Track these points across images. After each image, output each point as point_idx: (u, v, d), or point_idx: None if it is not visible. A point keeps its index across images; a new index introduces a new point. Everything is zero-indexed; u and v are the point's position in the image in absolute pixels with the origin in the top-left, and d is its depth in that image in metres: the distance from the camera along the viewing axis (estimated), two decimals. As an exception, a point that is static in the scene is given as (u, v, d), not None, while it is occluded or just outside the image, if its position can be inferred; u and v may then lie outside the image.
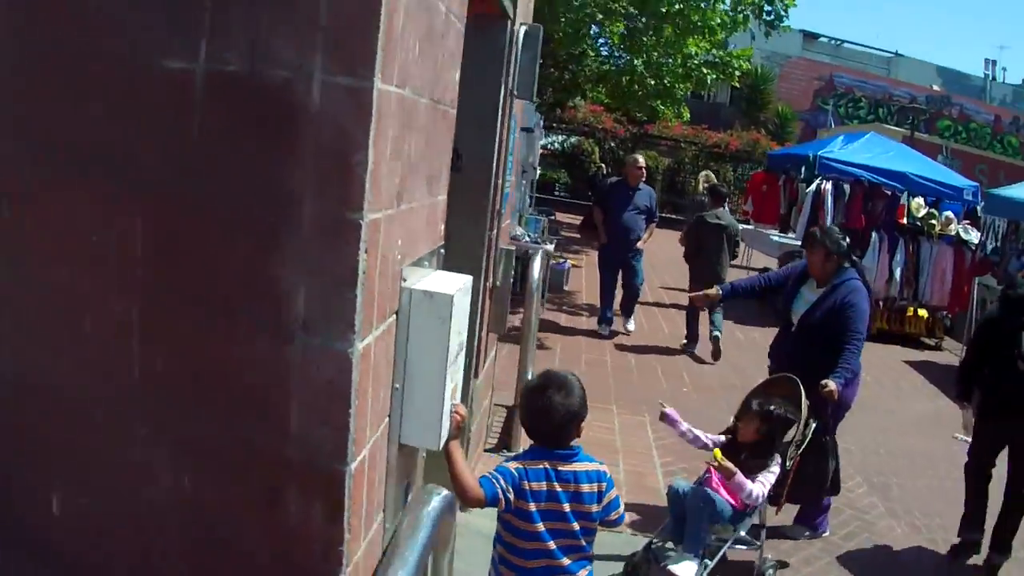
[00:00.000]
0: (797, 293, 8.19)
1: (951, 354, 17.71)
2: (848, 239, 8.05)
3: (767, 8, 19.84)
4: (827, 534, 8.41)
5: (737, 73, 20.92)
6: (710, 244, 15.16)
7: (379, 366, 3.17)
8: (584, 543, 4.78)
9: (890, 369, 16.35)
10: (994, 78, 62.12)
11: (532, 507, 4.60)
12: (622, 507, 4.95)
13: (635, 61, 19.71)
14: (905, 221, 18.58)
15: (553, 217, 22.06)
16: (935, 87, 52.91)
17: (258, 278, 2.81)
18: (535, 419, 4.77)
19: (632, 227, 14.38)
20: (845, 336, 7.60)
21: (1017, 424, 8.03)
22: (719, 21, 19.14)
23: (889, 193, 18.69)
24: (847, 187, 18.80)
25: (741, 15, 19.69)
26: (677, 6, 18.10)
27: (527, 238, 15.86)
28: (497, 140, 6.95)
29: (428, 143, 3.63)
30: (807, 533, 8.29)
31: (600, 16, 18.80)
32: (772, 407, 7.01)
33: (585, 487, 4.71)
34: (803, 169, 19.49)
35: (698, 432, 7.32)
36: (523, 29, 7.03)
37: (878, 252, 18.41)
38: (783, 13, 20.40)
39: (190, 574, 3.04)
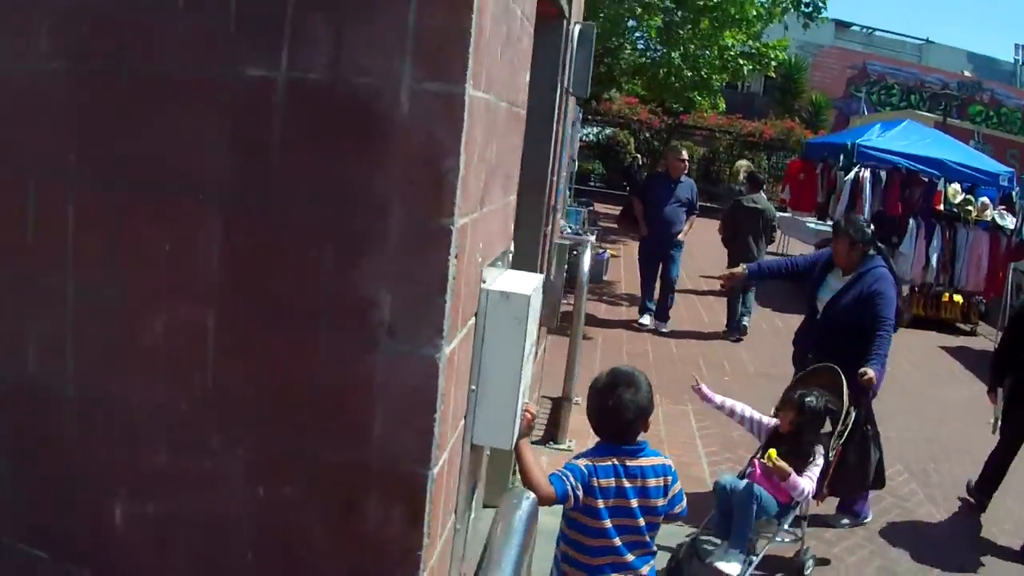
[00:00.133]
0: (823, 281, 8.05)
1: (986, 339, 17.47)
2: (873, 227, 7.93)
3: (806, 0, 19.69)
4: (869, 519, 8.30)
5: (773, 64, 20.83)
6: (747, 228, 15.21)
7: (461, 369, 3.14)
8: (648, 538, 4.73)
9: (926, 355, 16.17)
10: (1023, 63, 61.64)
11: (600, 504, 4.55)
12: (685, 500, 4.89)
13: (672, 53, 19.71)
14: (942, 207, 18.34)
15: (592, 208, 22.01)
16: (966, 73, 52.32)
17: (343, 286, 2.78)
18: (605, 417, 4.70)
19: (673, 220, 14.14)
20: (876, 323, 7.45)
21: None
22: (756, 13, 19.02)
23: (926, 180, 18.43)
24: (884, 174, 18.59)
25: (780, 7, 19.57)
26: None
27: (568, 230, 15.81)
28: (553, 138, 6.91)
29: (505, 145, 3.60)
30: (847, 521, 8.20)
31: (639, 10, 18.73)
32: (809, 399, 6.86)
33: (652, 482, 4.66)
34: (841, 157, 19.17)
35: (734, 404, 7.25)
36: (578, 28, 6.99)
37: (915, 239, 18.16)
38: (821, 5, 20.28)
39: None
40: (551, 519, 5.27)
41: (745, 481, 6.66)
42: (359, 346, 2.78)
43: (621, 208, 16.11)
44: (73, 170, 2.94)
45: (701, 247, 20.13)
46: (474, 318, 3.28)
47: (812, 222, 21.25)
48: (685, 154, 14.70)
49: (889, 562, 7.68)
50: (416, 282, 2.72)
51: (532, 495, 3.39)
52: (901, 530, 8.35)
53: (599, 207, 26.72)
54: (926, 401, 12.71)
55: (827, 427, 7.04)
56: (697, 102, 22.74)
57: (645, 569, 4.73)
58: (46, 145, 2.95)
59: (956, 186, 18.43)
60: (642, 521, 4.64)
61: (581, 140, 34.25)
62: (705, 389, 7.03)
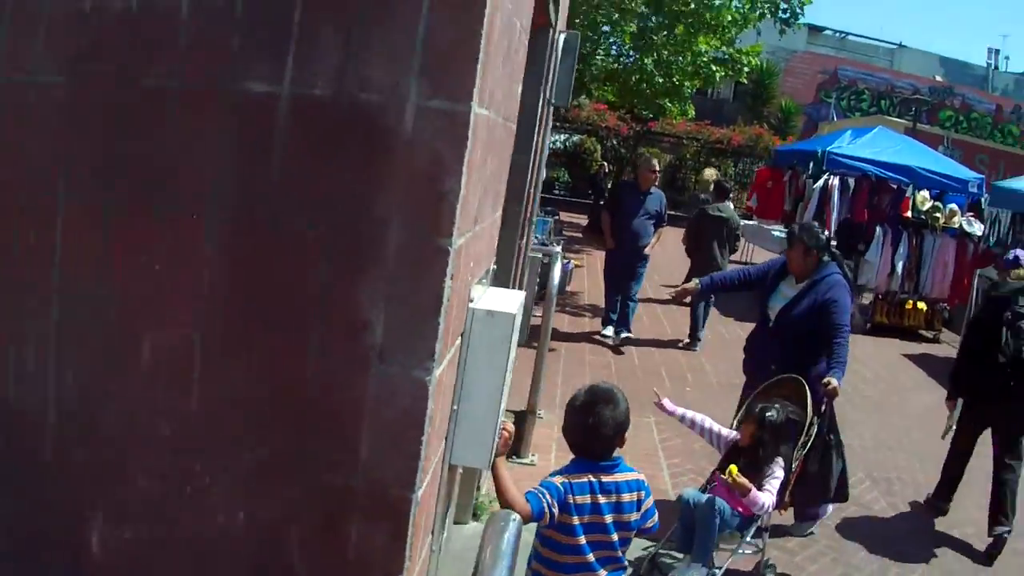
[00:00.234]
0: (776, 288, 8.00)
1: (950, 347, 17.49)
2: (828, 233, 8.00)
3: (783, 6, 19.75)
4: (831, 510, 8.32)
5: (746, 69, 20.86)
6: (711, 236, 15.19)
7: (446, 390, 3.10)
8: (620, 554, 4.71)
9: (889, 363, 16.20)
10: (997, 67, 61.93)
11: (575, 520, 4.51)
12: (656, 515, 4.86)
13: (645, 59, 19.67)
14: (910, 214, 18.47)
15: (558, 217, 21.96)
16: (938, 77, 52.58)
17: (336, 306, 2.73)
18: (585, 435, 4.67)
19: (641, 233, 13.76)
20: (832, 331, 7.43)
21: (996, 410, 8.55)
22: (731, 19, 19.05)
23: (895, 187, 18.53)
24: (852, 182, 18.66)
25: (757, 13, 19.61)
26: (691, 5, 17.99)
27: (535, 240, 15.70)
28: (533, 149, 6.85)
29: (498, 161, 3.54)
30: (810, 530, 8.19)
31: (616, 15, 18.71)
32: (769, 413, 6.79)
33: (626, 497, 4.62)
34: (811, 165, 19.24)
35: (695, 416, 7.19)
36: (562, 37, 6.93)
37: (881, 246, 18.26)
38: (799, 11, 20.34)
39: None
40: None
41: (708, 495, 6.63)
42: (350, 368, 2.73)
43: (588, 219, 15.94)
44: (70, 182, 2.85)
45: (665, 256, 20.14)
46: (460, 338, 3.21)
47: (778, 230, 21.30)
48: (656, 165, 14.54)
49: (851, 569, 7.73)
50: (411, 303, 2.67)
51: (518, 516, 3.32)
52: (863, 537, 8.39)
53: (564, 216, 26.69)
54: (889, 409, 12.74)
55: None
56: (667, 109, 22.71)
57: None
58: (45, 156, 2.85)
59: (925, 193, 18.59)
60: (615, 537, 4.61)
61: (548, 148, 34.21)
62: (667, 403, 7.00)
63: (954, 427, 8.91)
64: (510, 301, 3.55)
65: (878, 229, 18.19)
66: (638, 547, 6.81)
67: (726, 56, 20.52)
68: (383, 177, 2.61)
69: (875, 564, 7.91)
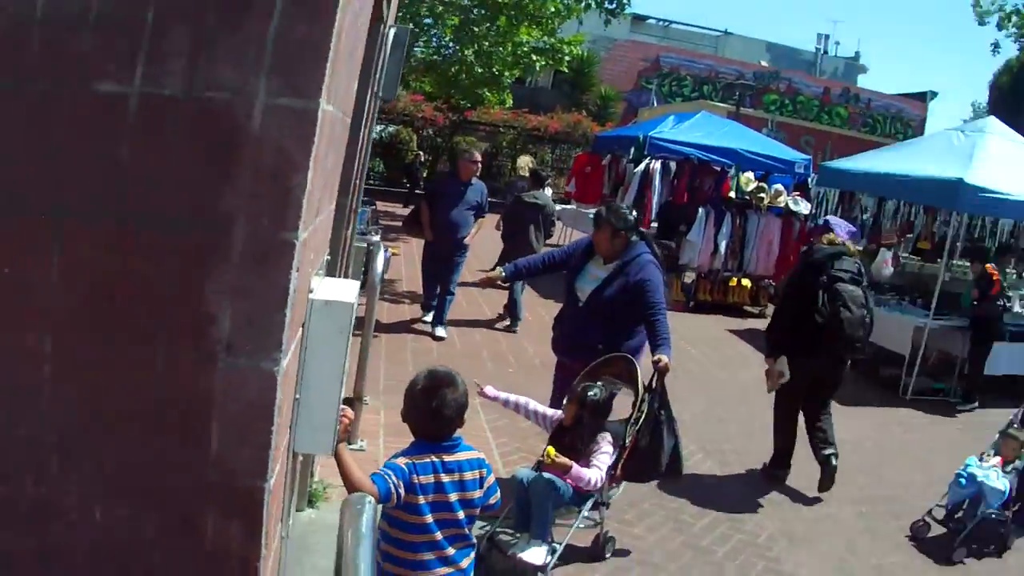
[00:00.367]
0: (583, 269, 8.10)
1: (774, 321, 18.12)
2: (635, 214, 8.07)
3: (608, -4, 19.97)
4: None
5: (567, 59, 21.00)
6: (527, 223, 15.34)
7: (291, 380, 3.10)
8: (467, 531, 4.79)
9: (716, 339, 16.67)
10: (826, 52, 63.54)
11: (421, 500, 4.56)
12: (499, 492, 4.97)
13: (465, 51, 19.67)
14: (733, 195, 19.03)
15: (375, 207, 21.87)
16: (763, 63, 53.69)
17: (183, 302, 2.71)
18: (428, 418, 4.70)
19: (460, 224, 13.69)
20: (650, 310, 7.62)
21: (816, 364, 9.21)
22: (554, 9, 19.16)
23: (718, 169, 19.11)
24: (674, 165, 19.28)
25: (583, 5, 19.76)
26: (515, -4, 18.05)
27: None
28: (360, 141, 6.83)
29: (337, 155, 3.55)
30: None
31: (440, 8, 18.68)
32: (591, 392, 6.92)
33: (468, 475, 4.70)
34: (632, 150, 19.66)
35: (519, 400, 7.28)
36: (392, 31, 6.91)
37: (704, 226, 18.79)
38: (625, 1, 20.53)
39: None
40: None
41: (541, 473, 6.73)
42: (198, 362, 2.72)
43: (410, 211, 15.72)
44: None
45: (483, 242, 20.22)
46: (301, 328, 3.21)
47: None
48: (478, 156, 14.48)
49: (692, 538, 7.94)
50: (258, 296, 2.68)
51: (372, 499, 3.36)
52: (702, 505, 8.67)
53: (381, 205, 26.60)
54: (718, 383, 13.19)
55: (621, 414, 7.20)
56: (486, 98, 22.75)
57: (465, 562, 4.79)
58: None
59: (749, 174, 19.36)
60: (461, 514, 4.68)
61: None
62: (489, 390, 7.05)
63: (784, 380, 9.30)
64: (346, 290, 3.56)
65: (700, 210, 18.76)
66: (475, 527, 6.87)
67: (547, 46, 20.64)
68: (231, 173, 2.61)
69: (717, 530, 8.20)
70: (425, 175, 32.33)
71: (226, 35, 2.57)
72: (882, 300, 16.17)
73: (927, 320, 14.56)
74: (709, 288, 19.54)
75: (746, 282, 19.51)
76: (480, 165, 14.08)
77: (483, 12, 19.31)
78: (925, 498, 8.90)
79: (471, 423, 5.67)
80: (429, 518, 4.58)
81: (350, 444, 8.28)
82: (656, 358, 7.32)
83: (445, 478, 4.62)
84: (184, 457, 2.76)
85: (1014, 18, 31.87)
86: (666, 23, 61.16)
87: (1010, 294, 15.62)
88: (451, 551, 4.68)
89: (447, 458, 4.65)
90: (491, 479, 4.81)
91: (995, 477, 8.45)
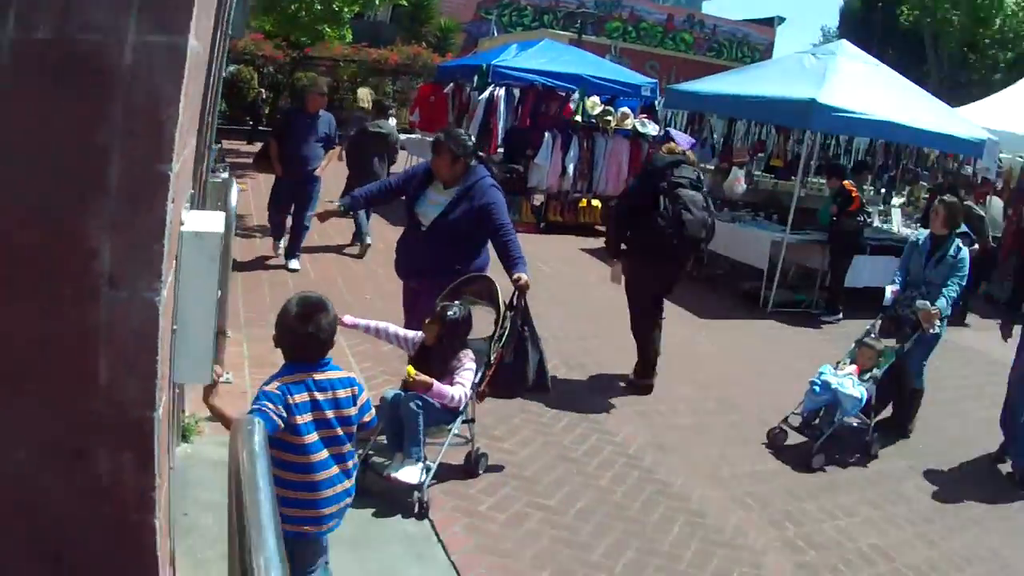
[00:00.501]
0: (423, 194, 8.10)
1: (627, 238, 18.38)
2: (474, 139, 8.17)
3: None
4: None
5: (406, -8, 20.98)
6: (372, 152, 15.43)
7: (169, 311, 3.17)
8: (348, 449, 4.91)
9: (569, 258, 16.89)
10: None
11: (299, 420, 4.66)
12: (374, 410, 5.12)
13: (306, -11, 19.49)
14: (579, 119, 19.18)
15: (220, 145, 21.57)
16: (606, -9, 53.49)
17: (63, 239, 2.77)
18: (304, 342, 4.79)
19: (311, 157, 13.49)
20: (498, 231, 7.77)
21: (661, 266, 9.75)
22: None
23: (563, 95, 19.24)
24: (518, 92, 19.39)
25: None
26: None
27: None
28: (211, 78, 6.80)
29: (199, 90, 3.59)
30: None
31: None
32: (451, 311, 7.03)
33: (341, 392, 4.82)
34: (476, 78, 19.73)
35: (379, 325, 7.33)
36: (239, -31, 6.88)
37: (551, 150, 19.05)
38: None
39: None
40: (216, 448, 5.35)
41: (408, 393, 6.83)
42: (81, 296, 2.79)
43: (260, 147, 15.51)
44: None
45: (334, 173, 20.11)
46: (175, 260, 3.27)
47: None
48: (325, 88, 14.37)
49: (563, 451, 8.16)
50: (137, 229, 2.76)
51: (259, 419, 3.42)
52: (570, 418, 8.93)
53: (226, 143, 26.23)
54: (575, 300, 13.45)
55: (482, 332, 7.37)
56: (326, 34, 22.54)
57: (348, 483, 4.93)
58: None
59: (595, 98, 19.53)
60: (340, 431, 4.82)
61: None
62: (348, 319, 7.08)
63: (623, 277, 9.97)
64: (214, 222, 3.62)
65: (547, 134, 18.97)
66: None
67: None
68: (105, 110, 2.67)
69: (587, 442, 8.44)
70: (267, 112, 31.90)
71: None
72: (737, 216, 16.71)
73: (784, 235, 15.02)
74: (559, 209, 19.81)
75: (596, 203, 19.73)
76: (326, 98, 13.97)
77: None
78: (794, 407, 9.23)
79: (333, 349, 5.75)
80: (311, 437, 4.69)
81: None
82: (515, 276, 7.49)
83: (319, 396, 4.74)
84: (74, 392, 2.82)
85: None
86: (507, -46, 60.57)
87: (869, 210, 16.19)
88: (336, 469, 4.82)
89: (319, 377, 4.77)
90: (364, 396, 4.96)
91: (851, 385, 8.78)
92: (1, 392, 2.81)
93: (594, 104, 19.43)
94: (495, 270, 7.73)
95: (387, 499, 6.59)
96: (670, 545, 6.77)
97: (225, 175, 12.35)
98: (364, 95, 18.74)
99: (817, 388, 8.88)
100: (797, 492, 8.13)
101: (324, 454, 4.74)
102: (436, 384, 6.67)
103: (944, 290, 9.16)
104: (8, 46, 2.63)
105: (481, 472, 7.37)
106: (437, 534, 6.32)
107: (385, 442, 7.01)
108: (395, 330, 7.26)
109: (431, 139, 8.14)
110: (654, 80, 21.65)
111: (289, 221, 13.70)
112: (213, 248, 3.42)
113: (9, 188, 2.70)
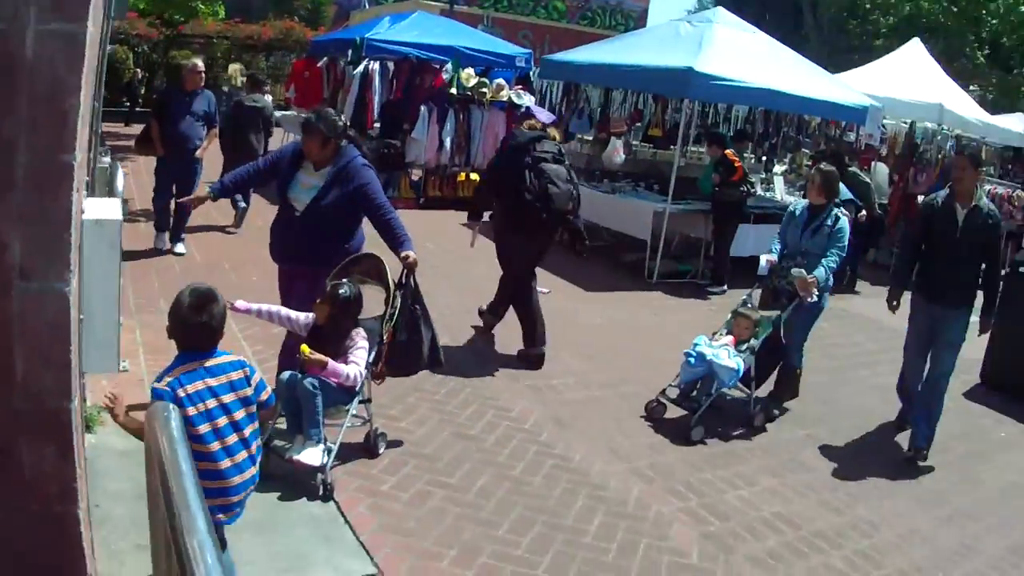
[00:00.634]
0: (294, 177, 8.03)
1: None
2: (345, 119, 8.18)
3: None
4: None
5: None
6: (247, 127, 15.52)
7: (77, 300, 3.15)
8: (251, 431, 5.03)
9: (450, 233, 16.77)
10: None
11: (191, 411, 4.69)
12: (269, 388, 5.25)
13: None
14: (454, 91, 19.19)
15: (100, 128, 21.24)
16: (474, -40, 53.37)
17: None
18: (197, 332, 4.87)
19: (191, 136, 13.24)
20: (378, 211, 7.78)
21: (531, 238, 10.14)
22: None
23: (438, 67, 19.24)
24: (392, 65, 19.38)
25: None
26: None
27: (87, 151, 15.09)
28: (100, 65, 6.75)
29: (93, 73, 3.59)
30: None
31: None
32: (342, 290, 7.07)
33: (234, 375, 4.96)
34: (350, 52, 19.67)
35: (270, 308, 7.39)
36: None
37: (427, 124, 19.16)
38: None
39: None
40: (121, 439, 5.35)
41: (304, 375, 6.86)
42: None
43: (141, 130, 15.21)
44: None
45: (216, 152, 19.92)
46: (78, 249, 3.27)
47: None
48: (201, 65, 14.13)
49: (460, 428, 8.26)
50: (45, 220, 2.77)
51: (173, 405, 3.44)
52: (465, 396, 9.04)
53: (105, 126, 25.81)
54: (460, 275, 13.53)
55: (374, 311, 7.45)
56: (199, 11, 22.30)
57: (254, 469, 5.05)
58: None
59: (470, 70, 19.68)
60: (241, 414, 4.94)
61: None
62: (240, 304, 7.08)
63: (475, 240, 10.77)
64: (111, 208, 3.62)
65: (423, 108, 19.06)
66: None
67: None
68: (9, 101, 2.66)
69: (483, 418, 8.56)
70: (143, 93, 31.49)
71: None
72: (617, 187, 16.88)
73: (666, 205, 15.23)
74: (438, 184, 19.96)
75: (475, 176, 19.69)
76: (203, 75, 13.78)
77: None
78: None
79: (225, 334, 5.77)
80: (205, 427, 4.74)
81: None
82: (403, 255, 7.53)
83: (213, 382, 4.84)
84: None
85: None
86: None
87: (752, 179, 16.44)
88: (243, 455, 4.92)
89: (210, 363, 4.88)
90: (257, 376, 5.08)
91: (726, 356, 8.91)
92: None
93: (469, 76, 19.55)
94: (380, 248, 7.76)
95: (291, 482, 6.63)
96: (574, 519, 6.90)
97: (107, 159, 12.22)
98: (234, 71, 18.61)
99: (692, 360, 8.96)
100: (696, 463, 8.31)
101: (228, 440, 4.83)
102: (331, 363, 6.75)
103: (823, 260, 9.22)
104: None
105: (381, 452, 7.44)
106: (343, 515, 6.39)
107: (285, 426, 7.00)
108: (287, 313, 7.29)
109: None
110: (528, 50, 21.83)
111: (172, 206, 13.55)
112: (113, 235, 3.43)
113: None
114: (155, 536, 2.93)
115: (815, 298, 9.23)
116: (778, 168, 21.20)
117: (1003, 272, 10.43)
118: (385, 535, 6.22)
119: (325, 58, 21.50)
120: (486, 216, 10.95)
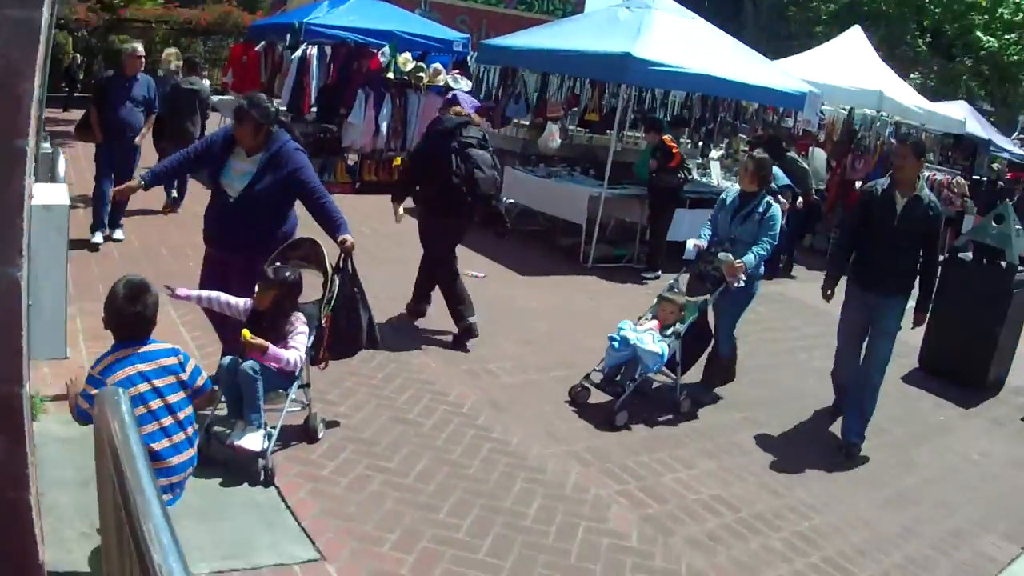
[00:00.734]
0: (226, 163, 8.02)
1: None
2: (277, 104, 8.14)
3: None
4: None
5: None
6: (184, 110, 15.48)
7: (26, 286, 3.15)
8: (187, 414, 5.23)
9: (386, 218, 16.49)
10: None
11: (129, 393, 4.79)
12: (204, 374, 5.47)
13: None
14: (391, 76, 19.19)
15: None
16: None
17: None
18: (132, 321, 5.12)
19: (131, 122, 13.13)
20: (313, 194, 7.84)
21: (455, 221, 10.52)
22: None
23: (375, 52, 19.22)
24: (330, 50, 19.43)
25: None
26: None
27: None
28: (43, 46, 6.71)
29: (43, 56, 3.59)
30: None
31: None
32: (287, 274, 7.12)
33: (166, 360, 5.18)
34: (288, 36, 19.58)
35: (209, 295, 7.39)
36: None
37: (364, 108, 19.16)
38: None
39: None
40: (62, 427, 5.38)
41: (244, 360, 6.87)
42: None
43: (81, 116, 15.03)
44: None
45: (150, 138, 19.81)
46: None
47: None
48: (141, 50, 13.99)
49: (398, 412, 8.30)
50: (-2, 205, 2.74)
51: (123, 390, 3.48)
52: (402, 380, 9.07)
53: (45, 112, 25.51)
54: (396, 259, 13.39)
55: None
56: (138, -5, 22.15)
57: (192, 451, 5.24)
58: None
59: (407, 55, 19.69)
60: (172, 397, 5.12)
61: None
62: (181, 291, 7.10)
63: (401, 216, 10.81)
64: (58, 194, 3.63)
65: (360, 92, 19.08)
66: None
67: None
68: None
69: (421, 402, 8.60)
70: (82, 78, 31.16)
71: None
72: (553, 172, 16.97)
73: (602, 189, 15.36)
74: (374, 168, 19.99)
75: (411, 161, 19.79)
76: (143, 60, 13.66)
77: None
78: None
79: (163, 321, 5.82)
80: (140, 410, 4.83)
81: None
82: (341, 239, 7.60)
83: (146, 367, 5.04)
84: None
85: None
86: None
87: (688, 164, 16.55)
88: (180, 436, 5.12)
89: (143, 350, 5.09)
90: (191, 363, 5.31)
91: (650, 340, 8.93)
92: None
93: (406, 61, 19.58)
94: (312, 231, 7.83)
95: (232, 468, 6.65)
96: (513, 502, 6.99)
97: (48, 145, 12.10)
98: (170, 55, 18.42)
99: (616, 344, 8.99)
100: (633, 446, 8.42)
101: (164, 422, 5.02)
102: (272, 348, 6.77)
103: (753, 247, 9.25)
104: None
105: (320, 436, 7.47)
106: (284, 500, 6.43)
107: (226, 412, 7.01)
108: (226, 299, 7.30)
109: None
110: (466, 35, 21.99)
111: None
112: (61, 221, 3.45)
113: None
114: (105, 521, 2.93)
115: (741, 283, 9.23)
116: (715, 153, 21.43)
117: (941, 258, 10.59)
118: (326, 520, 6.27)
119: (263, 42, 21.40)
120: (409, 202, 11.09)
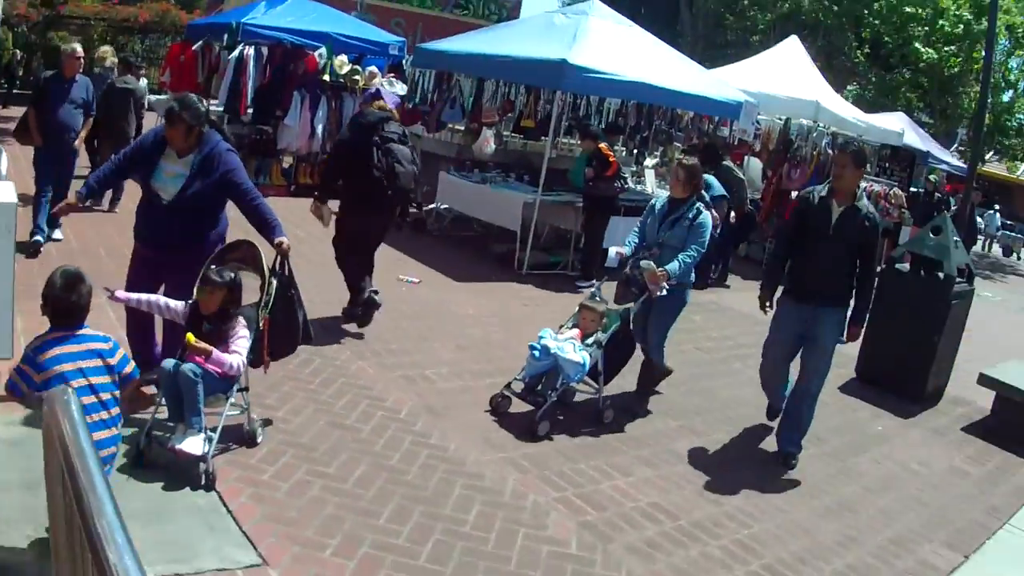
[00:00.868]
0: (157, 166, 7.94)
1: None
2: (206, 105, 8.11)
3: None
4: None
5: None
6: (119, 110, 15.53)
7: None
8: (109, 397, 5.49)
9: (309, 219, 16.74)
10: None
11: (52, 372, 5.25)
12: (133, 363, 5.83)
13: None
14: (327, 78, 19.37)
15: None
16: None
17: None
18: (68, 308, 5.52)
19: (70, 124, 13.02)
20: (246, 195, 7.86)
21: (376, 215, 10.85)
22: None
23: (311, 52, 19.30)
24: (266, 51, 19.44)
25: None
26: None
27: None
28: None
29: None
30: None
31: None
32: (234, 277, 7.19)
33: (96, 344, 5.54)
34: (226, 36, 19.59)
35: (149, 298, 7.43)
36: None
37: (300, 110, 19.31)
38: None
39: None
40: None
41: (185, 363, 6.85)
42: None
43: (20, 118, 14.90)
44: None
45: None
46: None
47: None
48: (80, 51, 13.91)
49: (336, 417, 8.32)
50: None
51: (72, 392, 3.53)
52: (338, 385, 9.11)
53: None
54: (330, 263, 13.00)
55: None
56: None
57: (116, 429, 5.56)
58: None
59: (343, 57, 19.88)
60: (97, 380, 5.43)
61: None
62: (120, 294, 7.26)
63: (333, 220, 11.13)
64: (6, 192, 3.64)
65: (296, 94, 19.28)
66: (130, 425, 6.94)
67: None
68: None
69: (358, 408, 8.63)
70: (20, 75, 30.96)
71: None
72: (488, 178, 17.18)
73: (536, 196, 15.51)
74: (310, 171, 20.11)
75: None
76: (82, 60, 13.57)
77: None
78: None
79: (102, 323, 5.89)
80: (69, 385, 5.07)
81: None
82: (277, 241, 7.66)
83: (77, 348, 5.42)
84: None
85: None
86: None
87: (625, 174, 16.66)
88: (103, 415, 5.42)
89: (77, 334, 5.49)
90: (121, 351, 5.68)
91: (571, 349, 8.88)
92: None
93: (342, 63, 19.74)
94: (245, 232, 7.89)
95: (173, 471, 6.68)
96: (452, 509, 7.04)
97: (-8, 145, 11.97)
98: (105, 53, 18.31)
99: (537, 353, 8.94)
100: (570, 453, 8.50)
101: (84, 400, 5.17)
102: (215, 352, 6.82)
103: (680, 254, 9.21)
104: None
105: (259, 441, 7.50)
106: (226, 505, 6.44)
107: (166, 415, 7.00)
108: (165, 301, 7.35)
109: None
110: (402, 39, 22.09)
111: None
112: (9, 219, 3.47)
113: None
114: (55, 521, 2.95)
115: (664, 292, 9.15)
116: (649, 161, 21.66)
117: (879, 269, 10.74)
118: (268, 525, 6.30)
119: (200, 42, 21.35)
120: (333, 205, 11.18)
